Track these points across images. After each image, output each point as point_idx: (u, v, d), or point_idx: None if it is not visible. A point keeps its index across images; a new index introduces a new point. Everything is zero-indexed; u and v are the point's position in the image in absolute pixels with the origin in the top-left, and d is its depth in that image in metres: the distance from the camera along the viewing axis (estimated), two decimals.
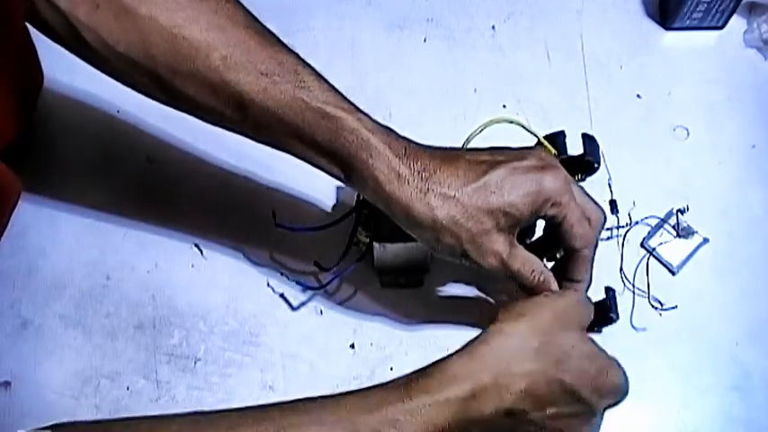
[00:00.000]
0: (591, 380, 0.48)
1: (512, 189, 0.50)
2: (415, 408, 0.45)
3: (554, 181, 0.51)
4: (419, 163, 0.50)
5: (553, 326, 0.49)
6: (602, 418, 0.52)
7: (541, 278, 0.53)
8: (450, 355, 0.48)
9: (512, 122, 0.60)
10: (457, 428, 0.46)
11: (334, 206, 0.66)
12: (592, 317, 0.54)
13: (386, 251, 0.59)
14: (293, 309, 0.63)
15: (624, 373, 0.51)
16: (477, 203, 0.50)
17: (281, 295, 0.63)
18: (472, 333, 0.61)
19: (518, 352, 0.47)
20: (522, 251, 0.52)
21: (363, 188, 0.51)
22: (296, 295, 0.63)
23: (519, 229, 0.53)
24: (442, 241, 0.51)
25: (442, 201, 0.50)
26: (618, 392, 0.50)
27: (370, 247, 0.59)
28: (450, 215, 0.50)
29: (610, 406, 0.51)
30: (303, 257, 0.64)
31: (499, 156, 0.52)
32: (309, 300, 0.63)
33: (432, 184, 0.50)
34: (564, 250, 0.55)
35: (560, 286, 0.55)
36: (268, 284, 0.63)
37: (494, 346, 0.47)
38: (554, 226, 0.53)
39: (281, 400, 0.47)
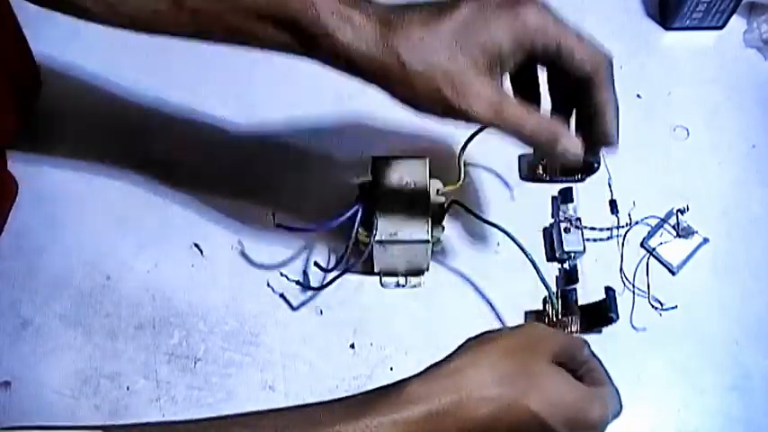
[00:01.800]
0: (564, 412, 0.44)
1: (483, 24, 0.45)
2: (366, 426, 0.41)
3: (534, 10, 0.45)
4: (372, 9, 0.46)
5: (525, 351, 0.45)
6: None
7: (548, 125, 0.47)
8: (412, 376, 0.44)
9: None
10: None
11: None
12: (576, 344, 0.49)
13: (386, 251, 0.59)
14: (293, 309, 0.63)
15: (606, 405, 0.46)
16: (447, 41, 0.45)
17: (281, 295, 0.63)
18: (470, 332, 0.62)
19: (484, 376, 0.43)
20: (517, 101, 0.47)
21: (318, 50, 0.46)
22: (296, 295, 0.63)
23: (506, 74, 0.48)
24: (415, 90, 0.45)
25: (408, 42, 0.44)
26: (594, 428, 0.45)
27: (370, 246, 0.59)
28: (419, 57, 0.44)
29: None
30: (303, 257, 0.64)
31: None
32: (309, 300, 0.63)
33: (392, 28, 0.45)
34: (578, 86, 0.48)
35: (588, 143, 0.49)
36: (268, 284, 0.63)
37: (458, 367, 0.44)
38: (553, 63, 0.47)
39: (236, 413, 0.44)
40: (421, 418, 0.42)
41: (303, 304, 0.63)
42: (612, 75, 0.48)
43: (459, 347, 0.46)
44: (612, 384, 0.49)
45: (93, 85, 0.70)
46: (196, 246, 0.65)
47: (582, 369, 0.48)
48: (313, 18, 0.45)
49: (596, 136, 0.49)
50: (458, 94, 0.45)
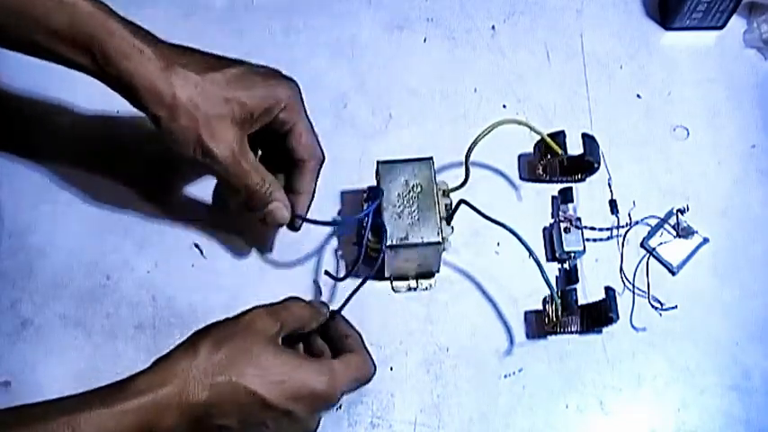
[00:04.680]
0: (284, 387, 0.49)
1: (248, 84, 0.54)
2: (93, 416, 0.45)
3: (287, 87, 0.56)
4: (160, 46, 0.53)
5: (241, 336, 0.49)
6: (315, 422, 0.53)
7: (269, 187, 0.56)
8: (140, 371, 0.48)
9: (519, 124, 0.60)
10: None
11: (340, 212, 0.66)
12: (298, 319, 0.54)
13: (398, 256, 0.59)
14: None
15: (335, 376, 0.51)
16: (216, 90, 0.53)
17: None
18: (470, 332, 0.62)
19: (201, 364, 0.48)
20: (253, 157, 0.56)
21: (106, 69, 0.52)
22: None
23: (251, 132, 0.56)
24: (178, 122, 0.52)
25: (184, 81, 0.52)
26: (322, 397, 0.50)
27: (382, 253, 0.57)
28: (190, 96, 0.52)
29: (322, 410, 0.52)
30: (304, 263, 0.64)
31: (236, 60, 0.56)
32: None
33: (175, 65, 0.52)
34: (292, 162, 0.59)
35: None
36: (267, 284, 0.63)
37: (178, 359, 0.48)
38: (282, 136, 0.57)
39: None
40: (143, 407, 0.46)
41: None
42: (319, 172, 0.60)
43: (186, 339, 0.50)
44: (364, 351, 0.54)
45: (94, 84, 0.70)
46: (196, 246, 0.65)
47: (316, 343, 0.55)
48: (109, 46, 0.52)
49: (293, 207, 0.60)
50: (210, 135, 0.53)
